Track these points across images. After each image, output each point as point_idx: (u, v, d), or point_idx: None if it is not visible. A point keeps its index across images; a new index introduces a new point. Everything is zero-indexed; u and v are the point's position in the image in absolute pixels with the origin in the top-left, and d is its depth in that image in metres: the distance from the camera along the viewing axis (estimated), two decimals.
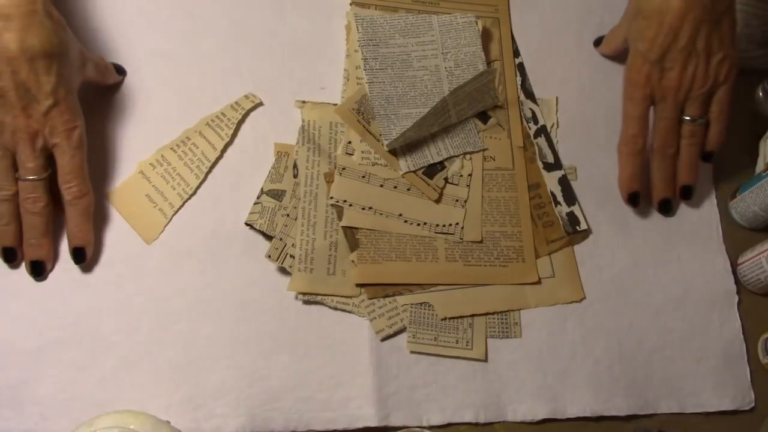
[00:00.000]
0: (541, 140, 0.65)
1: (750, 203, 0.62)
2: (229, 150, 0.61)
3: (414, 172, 0.60)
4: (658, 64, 0.58)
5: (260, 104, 0.62)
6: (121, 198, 0.58)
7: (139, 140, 0.60)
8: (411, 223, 0.59)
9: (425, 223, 0.59)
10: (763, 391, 0.59)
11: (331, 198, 0.59)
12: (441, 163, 0.61)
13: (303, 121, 0.62)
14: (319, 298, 0.57)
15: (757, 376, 0.60)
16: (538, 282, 0.60)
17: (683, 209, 0.64)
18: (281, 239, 0.57)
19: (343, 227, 0.58)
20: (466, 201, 0.61)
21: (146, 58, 0.62)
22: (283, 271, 0.57)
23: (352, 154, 0.60)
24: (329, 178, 0.59)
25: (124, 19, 0.63)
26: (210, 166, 0.60)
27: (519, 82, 0.66)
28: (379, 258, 0.58)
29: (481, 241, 0.60)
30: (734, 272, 0.63)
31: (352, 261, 0.57)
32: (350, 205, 0.59)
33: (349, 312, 0.57)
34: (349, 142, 0.60)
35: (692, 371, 0.59)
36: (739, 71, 0.60)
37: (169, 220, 0.58)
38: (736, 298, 0.62)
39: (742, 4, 0.70)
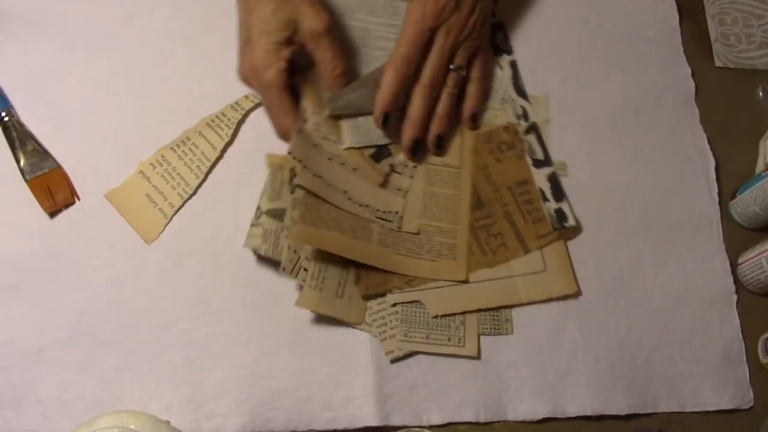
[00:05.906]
0: (531, 137, 0.64)
1: (750, 203, 0.62)
2: (229, 150, 0.61)
3: (358, 149, 0.60)
4: (456, 1, 0.59)
5: (260, 104, 0.62)
6: (121, 198, 0.58)
7: (139, 140, 0.60)
8: (354, 203, 0.58)
9: (367, 206, 0.59)
10: (763, 390, 0.60)
11: (290, 153, 0.57)
12: (388, 148, 0.61)
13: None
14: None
15: (757, 375, 0.60)
16: (466, 281, 0.59)
17: (683, 209, 0.64)
18: (295, 251, 0.56)
19: (296, 185, 0.57)
20: (407, 192, 0.61)
21: (146, 58, 0.62)
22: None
23: (307, 122, 0.59)
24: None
25: (124, 19, 0.63)
26: (210, 166, 0.60)
27: (511, 80, 0.66)
28: (320, 224, 0.56)
29: (417, 233, 0.59)
30: (734, 272, 0.63)
31: (292, 218, 0.57)
32: (304, 167, 0.57)
33: (360, 330, 0.57)
34: (306, 109, 0.59)
35: (692, 370, 0.59)
36: (739, 71, 0.60)
37: (169, 220, 0.58)
38: (735, 298, 0.62)
39: (742, 4, 0.71)
